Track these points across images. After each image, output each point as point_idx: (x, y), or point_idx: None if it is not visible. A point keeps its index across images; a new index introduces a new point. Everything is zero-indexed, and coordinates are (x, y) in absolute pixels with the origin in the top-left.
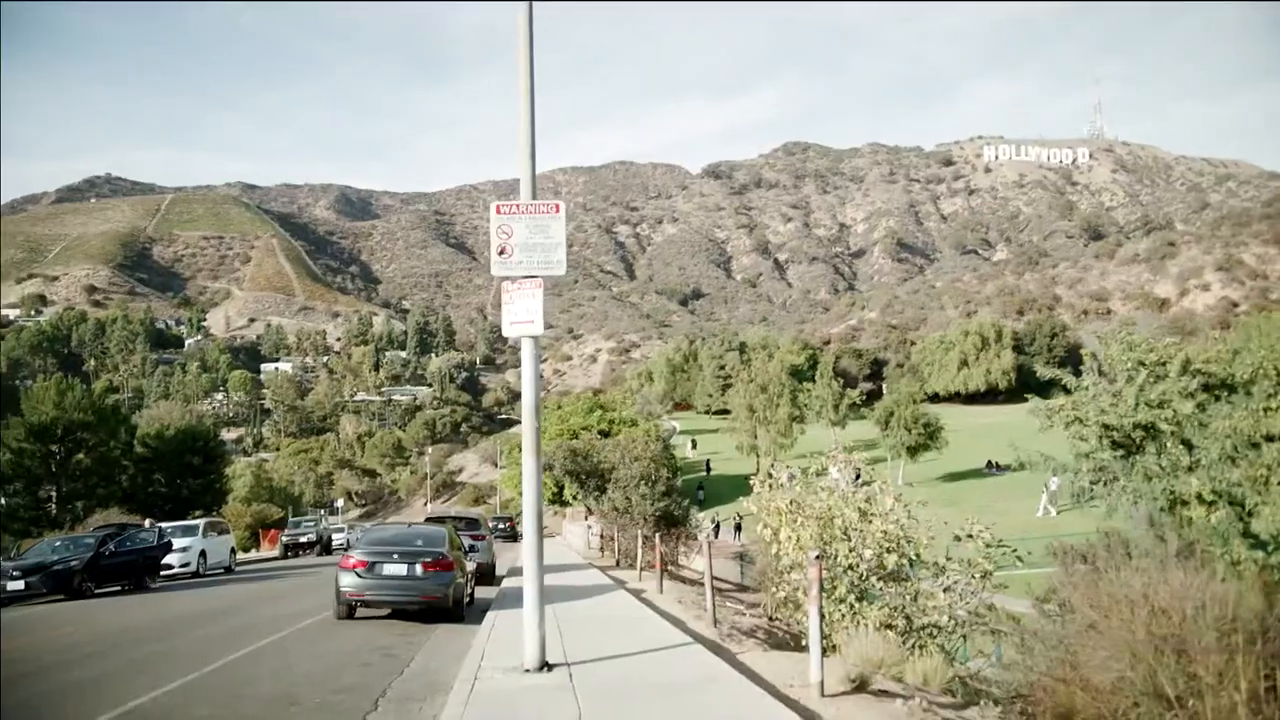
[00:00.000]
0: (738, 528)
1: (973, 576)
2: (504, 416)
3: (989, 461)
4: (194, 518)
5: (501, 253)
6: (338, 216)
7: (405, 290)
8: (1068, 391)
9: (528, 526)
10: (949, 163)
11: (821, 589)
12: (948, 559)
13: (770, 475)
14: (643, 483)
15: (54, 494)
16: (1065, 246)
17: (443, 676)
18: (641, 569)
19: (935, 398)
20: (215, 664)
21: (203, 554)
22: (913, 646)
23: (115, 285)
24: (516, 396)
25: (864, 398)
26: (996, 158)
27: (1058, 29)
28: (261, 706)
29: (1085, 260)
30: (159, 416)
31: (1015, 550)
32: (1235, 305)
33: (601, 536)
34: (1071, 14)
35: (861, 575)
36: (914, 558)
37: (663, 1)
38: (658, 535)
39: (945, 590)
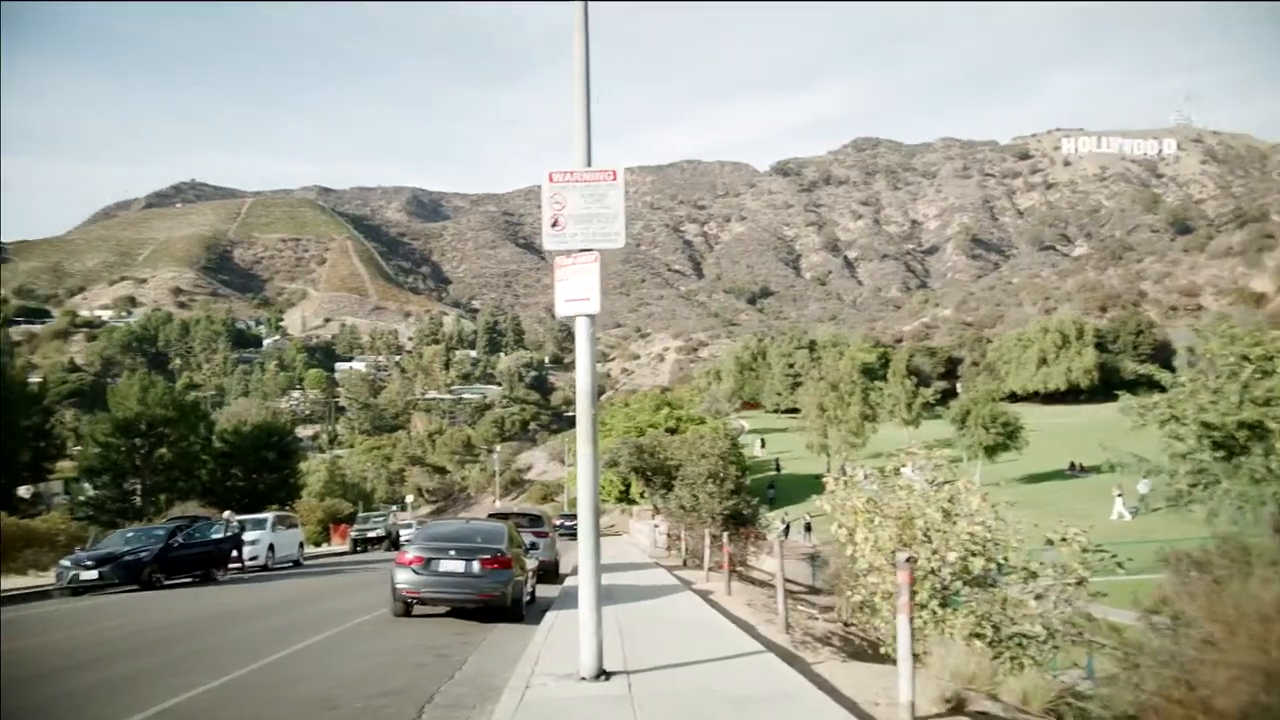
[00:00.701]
0: (808, 528)
1: (1067, 583)
2: (572, 414)
3: (1071, 463)
4: (268, 512)
5: (554, 225)
6: (409, 218)
7: (475, 290)
8: (1162, 389)
9: (583, 521)
10: (1025, 156)
11: (912, 595)
12: (1039, 563)
13: (845, 473)
14: (710, 480)
15: (138, 487)
16: (1150, 241)
17: (496, 681)
18: (709, 569)
19: (1013, 397)
20: (259, 662)
21: (271, 547)
22: (1005, 659)
23: (199, 287)
24: None
25: (938, 397)
26: (1076, 150)
27: (1141, 13)
28: (296, 710)
29: (1173, 254)
30: (237, 413)
31: (1115, 555)
32: None
33: (668, 535)
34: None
35: (944, 580)
36: (1001, 562)
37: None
38: (725, 535)
39: (1037, 598)
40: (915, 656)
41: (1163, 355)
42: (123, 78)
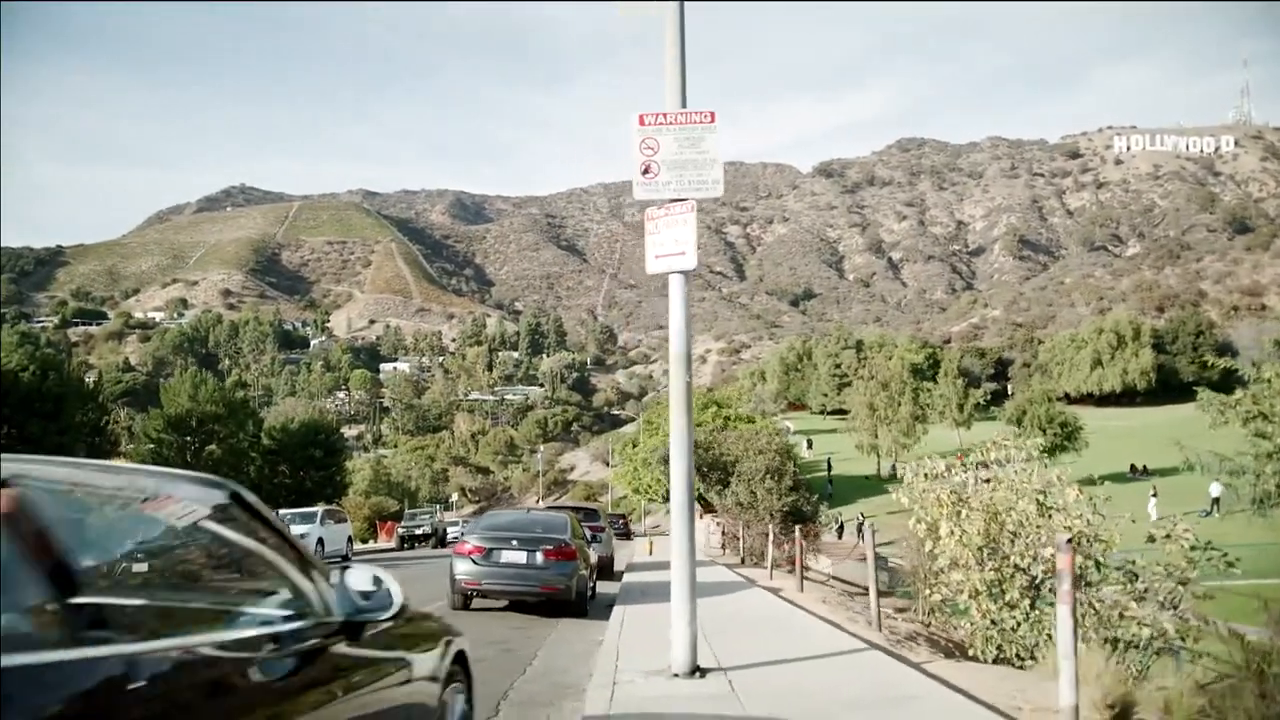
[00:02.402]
0: (859, 529)
1: (1175, 584)
2: (614, 414)
3: (1131, 465)
4: (317, 506)
5: (646, 172)
6: (453, 221)
7: (517, 292)
8: (1230, 389)
9: (677, 501)
10: (1075, 155)
11: (1080, 577)
12: (1142, 563)
13: (925, 464)
14: (769, 476)
15: None
16: (1207, 241)
17: (569, 678)
18: (772, 567)
19: (1066, 399)
20: None
21: (320, 541)
22: (1126, 664)
23: (248, 289)
24: (626, 397)
25: (988, 398)
26: (1128, 148)
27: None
28: None
29: (1235, 253)
30: (284, 412)
31: (1226, 555)
32: None
33: (723, 533)
34: None
35: (1036, 578)
36: (1100, 560)
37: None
38: (798, 529)
39: (1138, 600)
40: (1019, 660)
41: (1225, 356)
42: (174, 84)
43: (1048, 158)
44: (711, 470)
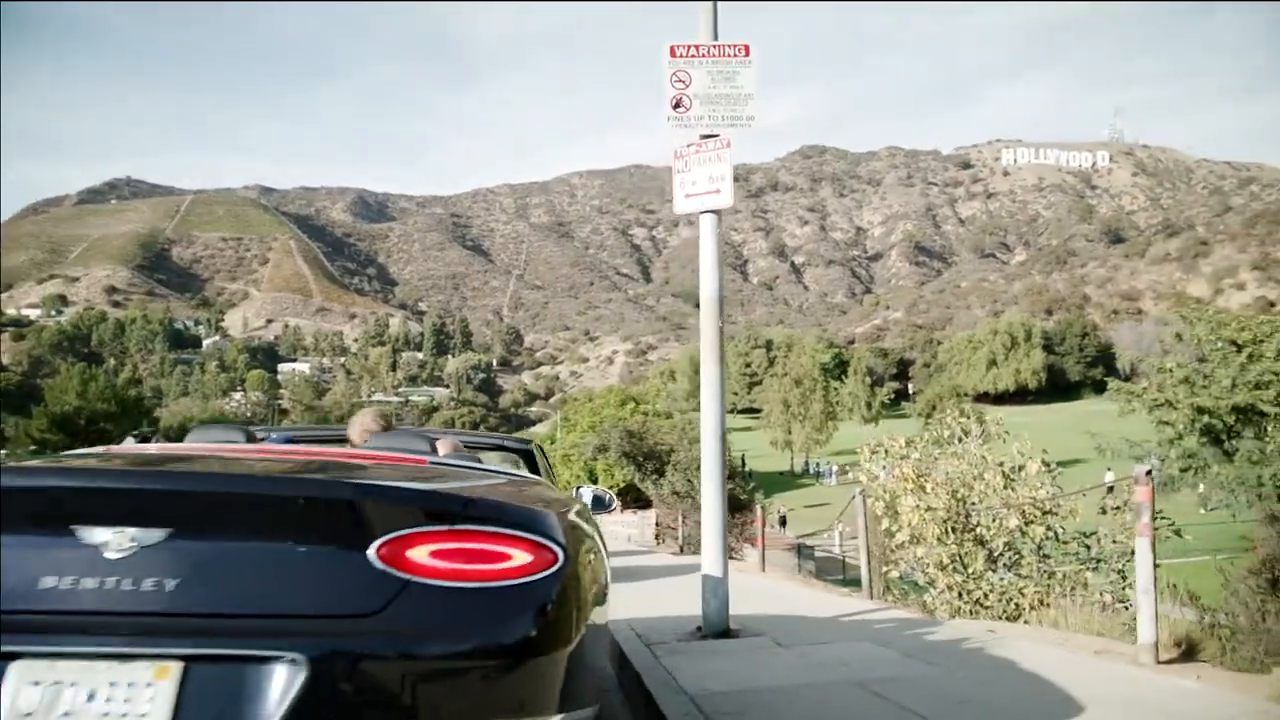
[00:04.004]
0: (783, 521)
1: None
2: (520, 414)
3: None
4: None
5: (677, 105)
6: (355, 219)
7: (422, 292)
8: (1103, 388)
9: (707, 458)
10: (967, 166)
11: (1154, 513)
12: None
13: (881, 444)
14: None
15: None
16: (1086, 250)
17: None
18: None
19: (964, 396)
20: None
21: None
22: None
23: (134, 286)
24: (533, 397)
25: (891, 397)
26: (1015, 161)
27: (1077, 33)
28: None
29: (1114, 260)
30: (181, 411)
31: (1174, 524)
32: (1272, 304)
33: (658, 525)
34: (1092, 17)
35: (997, 550)
36: (1060, 530)
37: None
38: (761, 509)
39: (1093, 570)
40: (1018, 617)
41: (1107, 357)
42: (54, 69)
43: (941, 168)
44: (647, 460)
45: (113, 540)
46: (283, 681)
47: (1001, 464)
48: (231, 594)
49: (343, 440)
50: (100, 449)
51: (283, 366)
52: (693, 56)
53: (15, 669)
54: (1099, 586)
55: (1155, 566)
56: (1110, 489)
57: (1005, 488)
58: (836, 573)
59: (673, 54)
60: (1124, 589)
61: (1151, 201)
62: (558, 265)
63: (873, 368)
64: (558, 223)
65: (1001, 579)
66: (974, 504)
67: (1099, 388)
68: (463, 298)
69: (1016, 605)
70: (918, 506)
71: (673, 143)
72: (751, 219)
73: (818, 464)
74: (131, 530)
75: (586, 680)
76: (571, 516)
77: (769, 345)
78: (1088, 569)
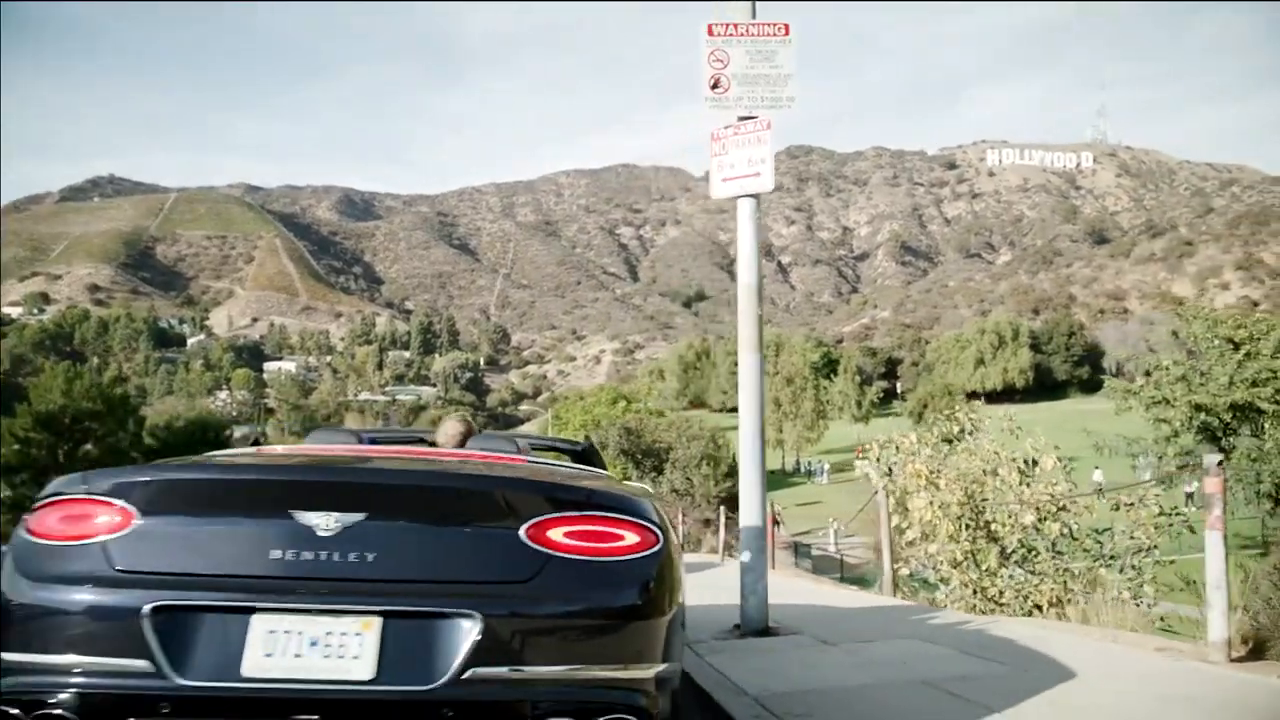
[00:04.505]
0: (776, 520)
1: (1140, 550)
2: (508, 413)
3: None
4: None
5: (715, 86)
6: (340, 217)
7: (408, 291)
8: (1093, 389)
9: (745, 450)
10: (952, 166)
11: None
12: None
13: (891, 441)
14: (704, 462)
15: None
16: (1070, 250)
17: None
18: (724, 549)
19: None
20: None
21: None
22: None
23: (118, 284)
24: (521, 396)
25: (880, 396)
26: (1000, 162)
27: (1063, 35)
28: None
29: (1100, 260)
30: (167, 409)
31: (1187, 519)
32: (1255, 304)
33: None
34: (1077, 20)
35: (1005, 548)
36: (1073, 527)
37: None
38: (771, 506)
39: (1106, 567)
40: (1062, 615)
41: (1092, 356)
42: (35, 67)
43: (927, 168)
44: (645, 457)
45: (322, 522)
46: (462, 633)
47: (1015, 459)
48: (417, 564)
49: (423, 442)
50: (251, 449)
51: (268, 365)
52: (731, 35)
53: (256, 620)
54: (1115, 583)
55: (1227, 560)
56: (1100, 489)
57: (1021, 484)
58: (834, 571)
59: (710, 33)
60: (1141, 585)
61: (1135, 202)
62: (544, 264)
63: (862, 367)
64: (545, 222)
65: (1012, 576)
66: (986, 500)
67: (1086, 387)
68: (449, 296)
69: (1034, 603)
70: (931, 503)
71: (709, 125)
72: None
73: (809, 463)
74: (336, 514)
75: (679, 639)
76: (659, 506)
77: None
78: (1101, 566)
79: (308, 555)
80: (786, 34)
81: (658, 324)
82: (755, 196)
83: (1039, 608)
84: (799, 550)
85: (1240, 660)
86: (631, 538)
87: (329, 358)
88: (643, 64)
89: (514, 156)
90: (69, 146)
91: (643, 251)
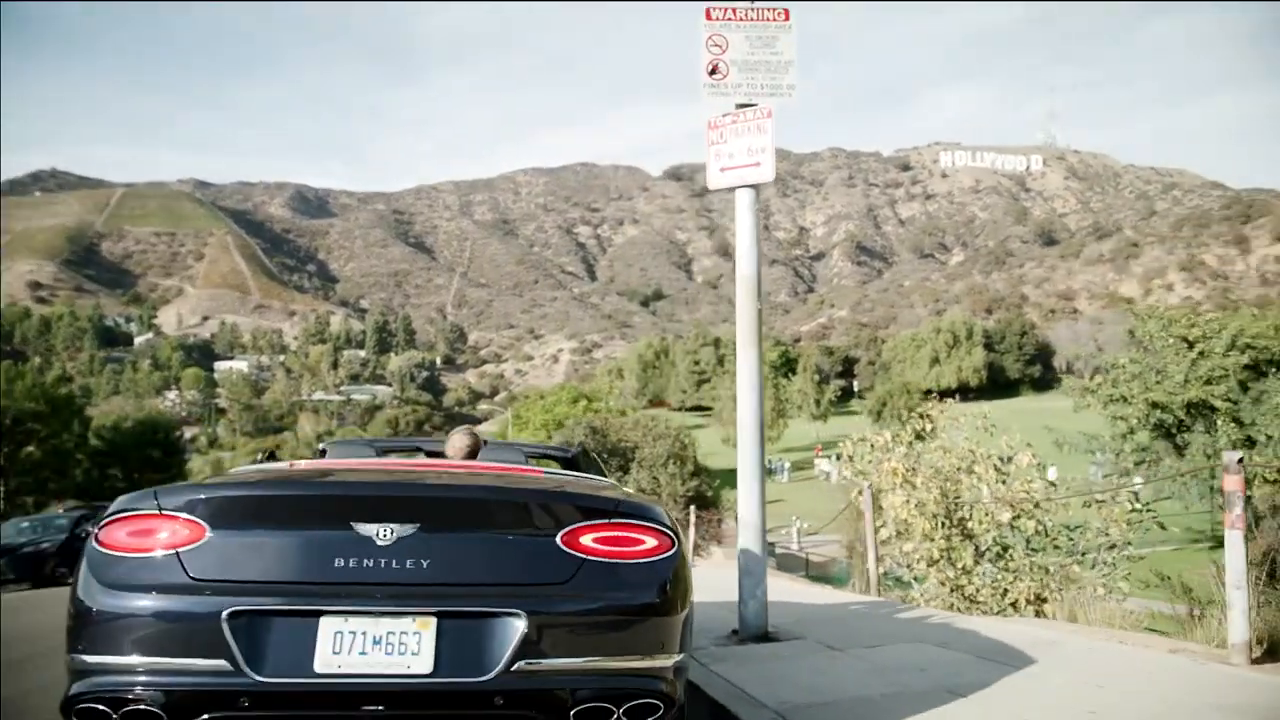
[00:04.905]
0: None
1: (1111, 547)
2: (465, 413)
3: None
4: None
5: (713, 72)
6: (294, 214)
7: (363, 289)
8: (1044, 388)
9: (745, 447)
10: (907, 168)
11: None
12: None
13: (865, 439)
14: (671, 462)
15: (1, 488)
16: (1022, 251)
17: None
18: (694, 549)
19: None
20: None
21: None
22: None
23: (61, 281)
24: (478, 396)
25: (838, 394)
26: (953, 164)
27: (1013, 38)
28: None
29: (1051, 260)
30: (114, 410)
31: (1156, 515)
32: (1198, 304)
33: None
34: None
35: (980, 547)
36: (1047, 525)
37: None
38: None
39: (1079, 562)
40: (1040, 613)
41: (1044, 355)
42: None
43: (882, 169)
44: (612, 456)
45: (379, 532)
46: (510, 630)
47: (991, 456)
48: (467, 569)
49: (435, 454)
50: (285, 464)
51: (219, 365)
52: (730, 20)
53: (324, 622)
54: (1090, 579)
55: (1246, 559)
56: (1052, 484)
57: (999, 481)
58: (798, 569)
59: (709, 17)
60: (1117, 581)
61: (1082, 205)
62: (502, 263)
63: (820, 365)
64: (502, 220)
65: (984, 573)
66: (959, 498)
67: (1037, 385)
68: (405, 295)
69: (1011, 600)
70: (908, 501)
71: (706, 112)
72: (696, 218)
73: (769, 461)
74: (392, 525)
75: (691, 633)
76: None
77: (717, 343)
78: (1075, 562)
79: (368, 563)
80: (786, 19)
81: (616, 323)
82: (755, 187)
83: (1015, 605)
84: (773, 550)
85: (1260, 661)
86: (651, 542)
87: (282, 357)
88: (602, 63)
89: (472, 154)
90: (8, 138)
91: (601, 250)
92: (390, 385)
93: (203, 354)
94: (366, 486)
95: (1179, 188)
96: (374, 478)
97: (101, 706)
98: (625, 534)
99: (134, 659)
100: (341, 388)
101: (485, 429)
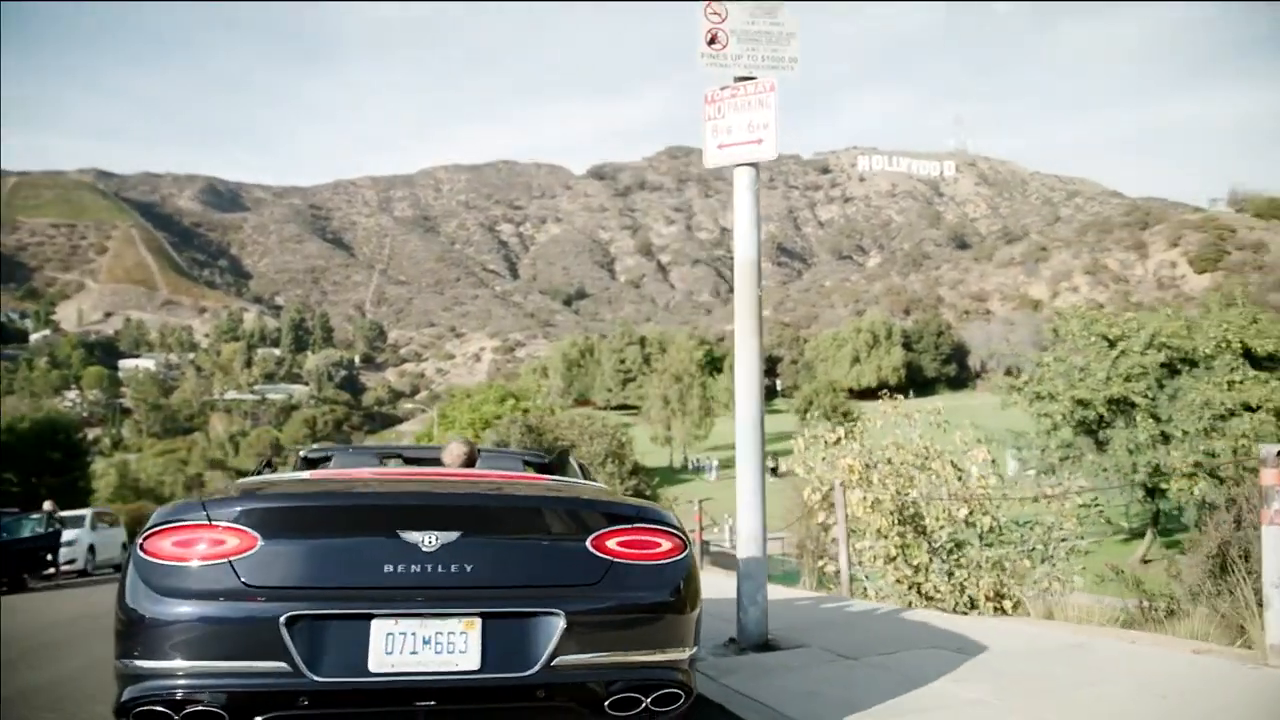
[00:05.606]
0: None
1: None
2: (386, 413)
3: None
4: (87, 508)
5: (712, 42)
6: (204, 208)
7: (278, 286)
8: (955, 387)
9: (744, 446)
10: (826, 171)
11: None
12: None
13: (818, 436)
14: (609, 460)
15: None
16: (938, 254)
17: None
18: None
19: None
20: None
21: (91, 549)
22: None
23: None
24: (398, 395)
25: (764, 392)
26: (870, 168)
27: (928, 46)
28: None
29: (965, 263)
30: (8, 410)
31: (1102, 510)
32: (1101, 306)
33: None
34: (942, 34)
35: (940, 541)
36: (1000, 521)
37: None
38: (699, 505)
39: (1029, 556)
40: (1000, 609)
41: (959, 354)
42: None
43: (802, 172)
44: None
45: (424, 539)
46: (550, 628)
47: (944, 453)
48: (507, 572)
49: (425, 461)
50: (306, 473)
51: (124, 363)
52: None
53: (376, 624)
54: (1045, 574)
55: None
56: (1001, 479)
57: (956, 478)
58: (732, 566)
59: None
60: (1071, 575)
61: (992, 210)
62: (423, 260)
63: None
64: (423, 217)
65: (939, 570)
66: (912, 497)
67: (953, 383)
68: (322, 292)
69: (970, 597)
70: (864, 499)
71: (704, 85)
72: (619, 217)
73: (698, 459)
74: (435, 532)
75: (701, 627)
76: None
77: (643, 342)
78: (1025, 557)
79: (415, 568)
80: None
81: (538, 322)
82: (754, 165)
83: (974, 603)
84: (706, 548)
85: None
86: (667, 545)
87: (192, 355)
88: (524, 60)
89: (392, 150)
90: None
91: (523, 249)
92: (307, 384)
93: (106, 352)
94: (409, 496)
95: (1081, 195)
96: (414, 488)
97: (162, 708)
98: (645, 538)
99: (192, 663)
100: (256, 387)
101: (408, 429)
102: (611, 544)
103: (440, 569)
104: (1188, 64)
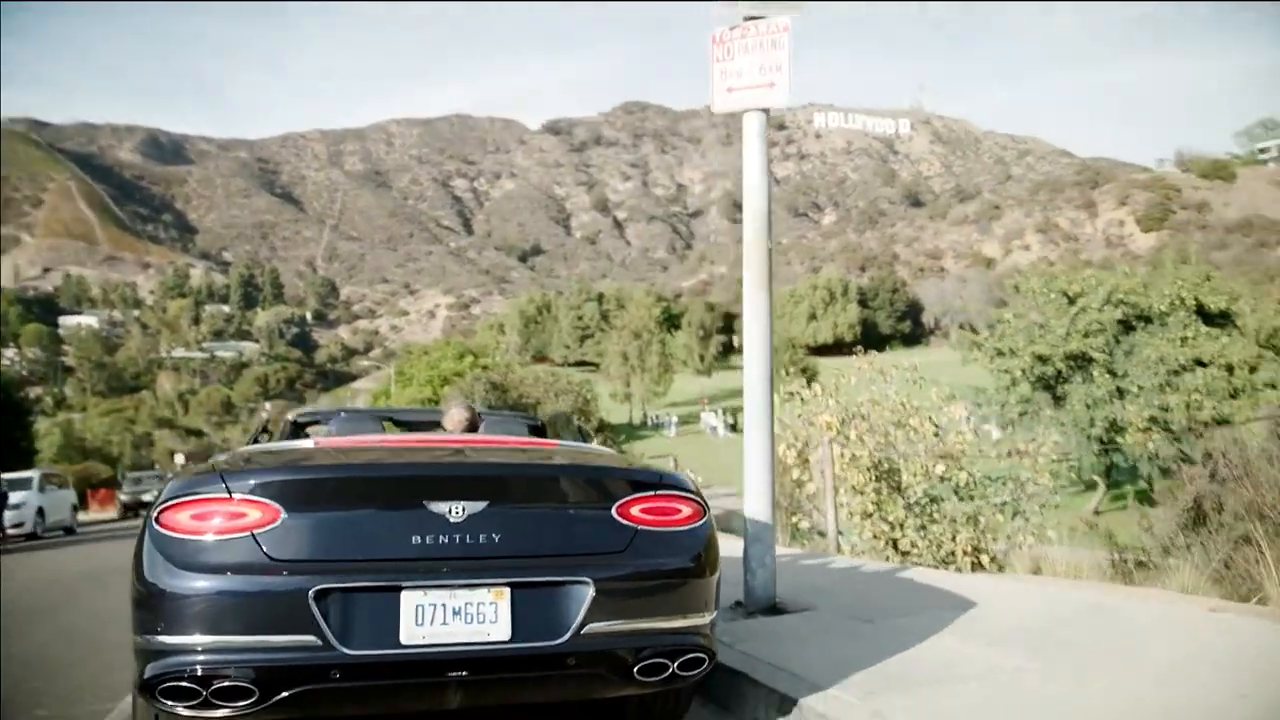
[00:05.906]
0: None
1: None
2: (339, 370)
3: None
4: (34, 470)
5: None
6: (145, 160)
7: (226, 241)
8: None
9: (753, 406)
10: (782, 127)
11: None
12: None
13: (796, 392)
14: (576, 416)
15: None
16: (893, 211)
17: None
18: None
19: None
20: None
21: (40, 511)
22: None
23: None
24: (351, 352)
25: (722, 348)
26: (826, 125)
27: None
28: None
29: (920, 221)
30: None
31: (1074, 465)
32: (1052, 264)
33: None
34: None
35: (915, 496)
36: (974, 476)
37: None
38: (674, 460)
39: (1000, 511)
40: (978, 564)
41: (914, 311)
42: None
43: None
44: (512, 413)
45: (451, 509)
46: (579, 596)
47: (921, 409)
48: (535, 541)
49: (428, 425)
50: (310, 443)
51: (65, 320)
52: None
53: (405, 596)
54: (1017, 529)
55: None
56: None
57: (934, 434)
58: (722, 528)
59: None
60: (1046, 530)
61: (945, 168)
62: (375, 216)
63: (703, 321)
64: (374, 171)
65: (914, 526)
66: (900, 452)
67: (908, 340)
68: (272, 248)
69: (949, 552)
70: (842, 455)
71: (711, 25)
72: (574, 173)
73: (656, 416)
74: (463, 502)
75: (720, 591)
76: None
77: (600, 299)
78: (999, 512)
79: (444, 539)
80: None
81: (493, 278)
82: (765, 111)
83: (952, 557)
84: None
85: None
86: (687, 510)
87: (137, 312)
88: (477, 10)
89: (341, 102)
90: None
91: (477, 204)
92: (258, 341)
93: (44, 308)
94: (435, 466)
95: (1032, 154)
96: (439, 457)
97: (188, 684)
98: (668, 504)
99: (217, 638)
100: (204, 344)
101: (363, 385)
102: (635, 511)
103: (468, 539)
104: (1136, 28)
